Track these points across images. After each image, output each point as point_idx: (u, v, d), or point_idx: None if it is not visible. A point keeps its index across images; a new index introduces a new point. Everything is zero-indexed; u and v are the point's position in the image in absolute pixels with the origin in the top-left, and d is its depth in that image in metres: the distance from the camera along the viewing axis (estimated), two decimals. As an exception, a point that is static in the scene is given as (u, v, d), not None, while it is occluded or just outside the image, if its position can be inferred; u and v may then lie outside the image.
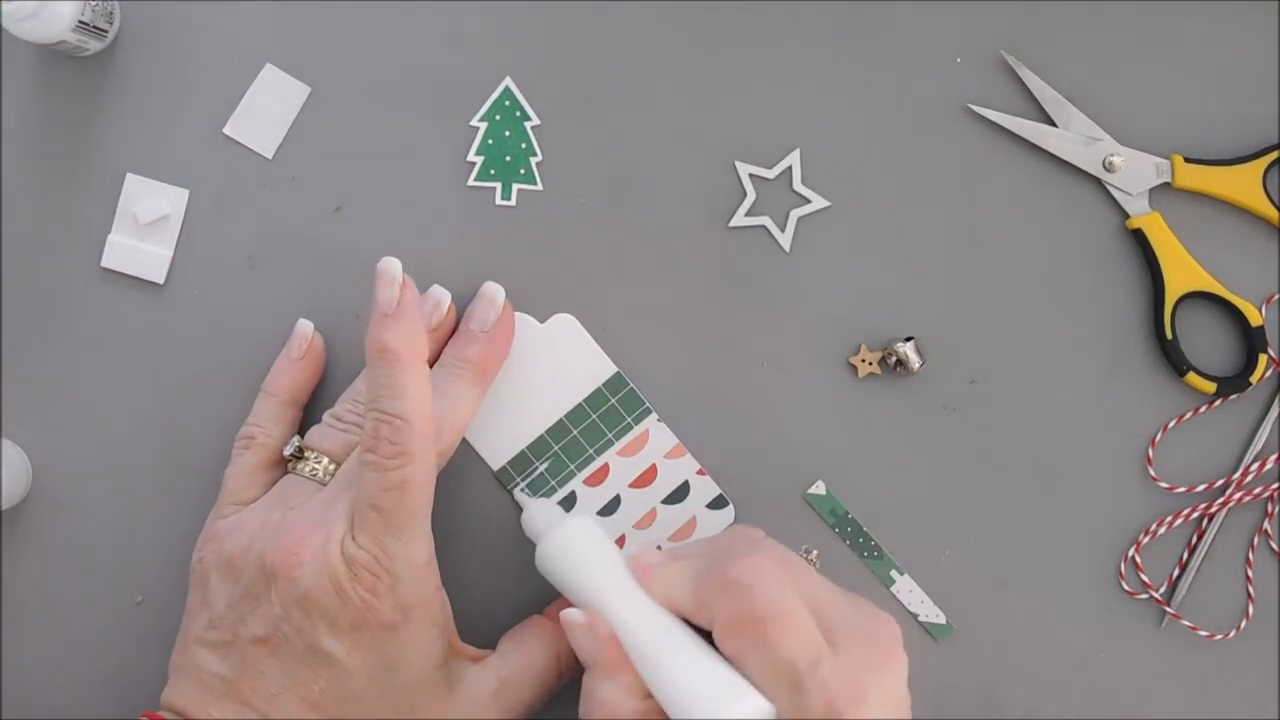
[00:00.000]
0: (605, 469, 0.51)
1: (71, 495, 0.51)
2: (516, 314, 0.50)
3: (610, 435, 0.50)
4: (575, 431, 0.50)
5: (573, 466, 0.50)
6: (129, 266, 0.51)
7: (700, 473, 0.51)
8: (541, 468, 0.50)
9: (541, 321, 0.51)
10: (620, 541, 0.50)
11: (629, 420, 0.50)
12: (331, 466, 0.46)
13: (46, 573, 0.51)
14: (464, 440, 0.50)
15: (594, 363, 0.51)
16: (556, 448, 0.50)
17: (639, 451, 0.51)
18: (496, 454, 0.50)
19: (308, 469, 0.47)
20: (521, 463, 0.50)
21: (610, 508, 0.50)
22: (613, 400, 0.50)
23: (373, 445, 0.43)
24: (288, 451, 0.47)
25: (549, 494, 0.50)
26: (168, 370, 0.51)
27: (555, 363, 0.50)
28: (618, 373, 0.51)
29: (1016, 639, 0.51)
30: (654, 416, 0.51)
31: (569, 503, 0.50)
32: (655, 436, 0.51)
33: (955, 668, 0.51)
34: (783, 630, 0.39)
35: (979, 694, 0.51)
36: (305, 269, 0.51)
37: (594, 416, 0.50)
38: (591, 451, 0.50)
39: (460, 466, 0.50)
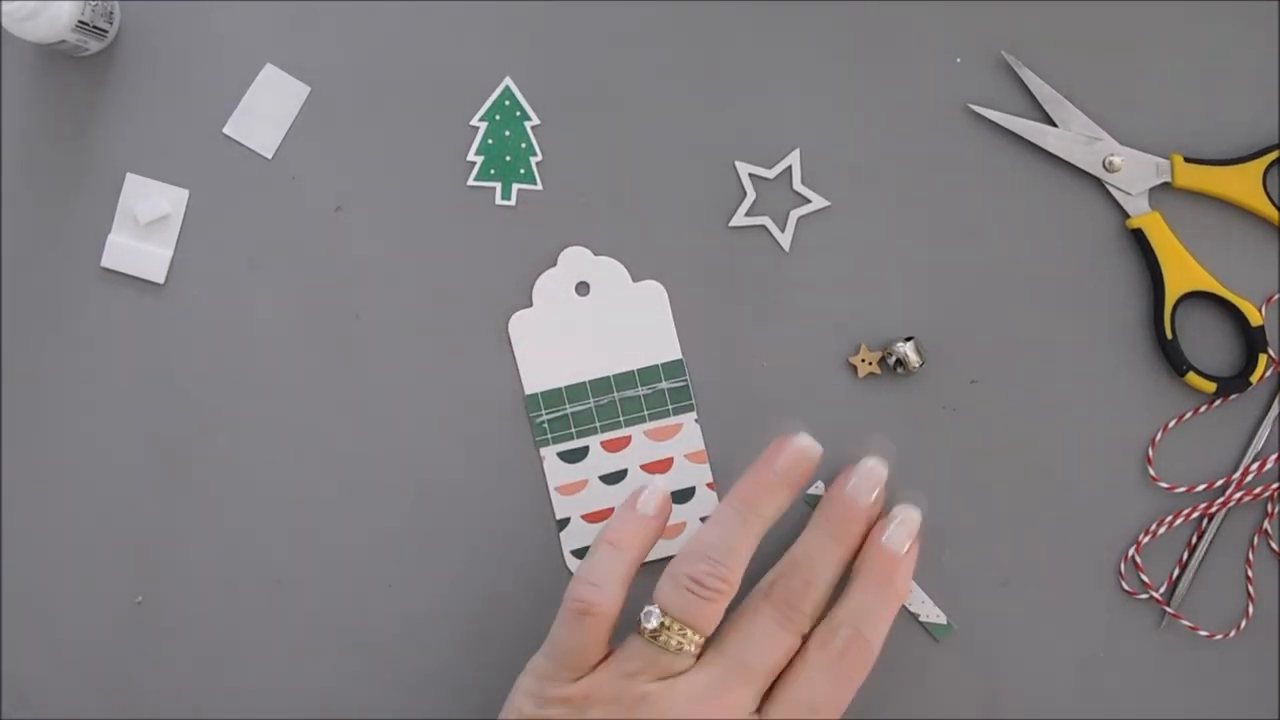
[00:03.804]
0: (626, 440, 0.51)
1: (72, 495, 0.51)
2: (610, 260, 0.51)
3: (646, 412, 0.51)
4: (615, 393, 0.51)
5: (598, 424, 0.51)
6: (129, 266, 0.51)
7: (710, 486, 0.51)
8: (569, 411, 0.51)
9: (634, 280, 0.51)
10: (608, 513, 0.51)
11: (669, 407, 0.51)
12: (697, 638, 0.43)
13: (46, 573, 0.51)
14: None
15: (663, 340, 0.51)
16: (591, 400, 0.51)
17: (665, 440, 0.51)
18: (535, 379, 0.51)
19: (673, 643, 0.43)
20: (553, 399, 0.51)
21: (615, 478, 0.51)
22: (664, 382, 0.51)
23: (840, 657, 0.43)
24: (652, 624, 0.43)
25: (566, 439, 0.51)
26: (168, 370, 0.51)
27: (628, 322, 0.51)
28: (681, 360, 0.51)
29: (1016, 639, 0.51)
30: (694, 415, 0.51)
31: (580, 455, 0.51)
32: (686, 433, 0.51)
33: (955, 668, 0.51)
34: None
35: (979, 694, 0.51)
36: (305, 269, 0.51)
37: (640, 388, 0.51)
38: (622, 419, 0.51)
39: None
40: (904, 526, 0.46)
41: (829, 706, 0.43)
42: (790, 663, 0.44)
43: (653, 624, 0.43)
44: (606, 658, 0.44)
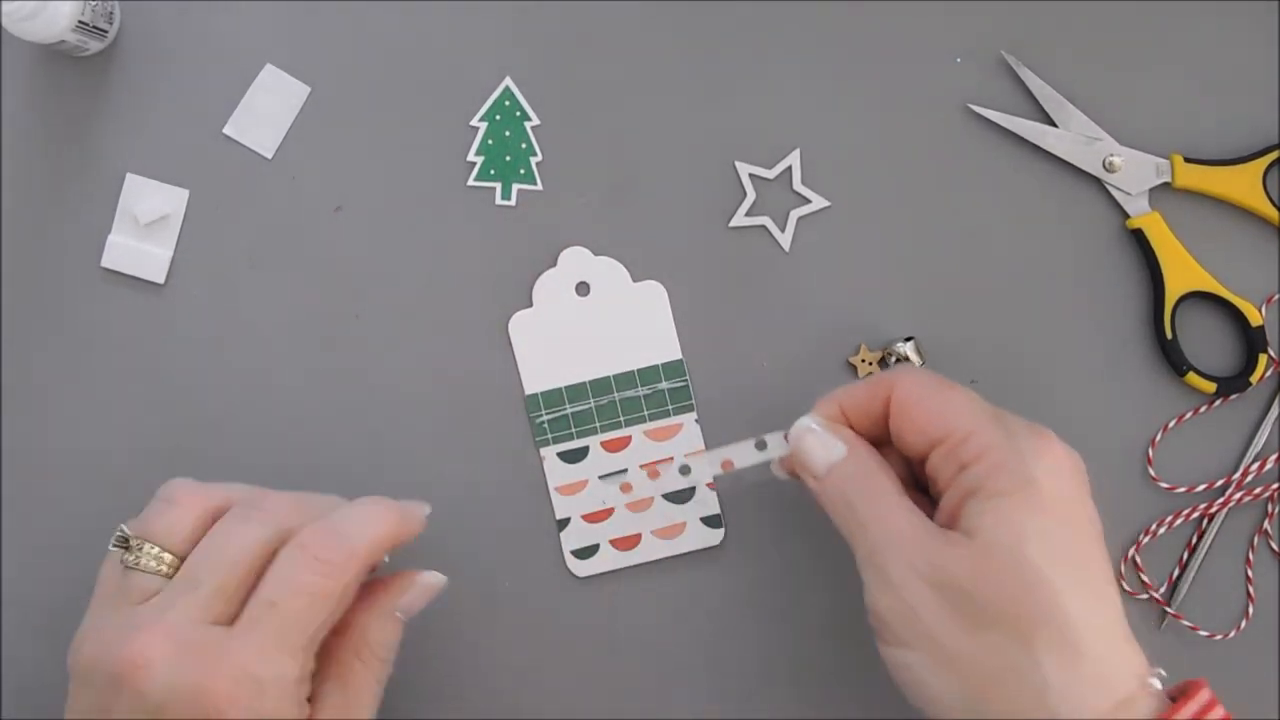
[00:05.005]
0: (627, 440, 0.51)
1: (72, 495, 0.51)
2: (610, 260, 0.51)
3: (646, 412, 0.51)
4: (615, 394, 0.51)
5: (598, 424, 0.51)
6: (129, 266, 0.51)
7: (710, 486, 0.51)
8: (569, 411, 0.51)
9: (634, 280, 0.51)
10: (608, 514, 0.51)
11: (670, 407, 0.51)
12: (168, 558, 0.41)
13: (46, 572, 0.51)
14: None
15: (663, 340, 0.51)
16: (591, 400, 0.51)
17: (665, 440, 0.51)
18: (536, 379, 0.51)
19: (144, 563, 0.41)
20: (553, 399, 0.51)
21: (615, 478, 0.51)
22: (664, 382, 0.51)
23: (306, 543, 0.41)
24: (111, 543, 0.42)
25: (566, 439, 0.51)
26: (168, 370, 0.51)
27: (628, 322, 0.51)
28: (681, 360, 0.51)
29: (1016, 639, 0.51)
30: (693, 415, 0.51)
31: (580, 455, 0.51)
32: (686, 433, 0.51)
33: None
34: (955, 393, 0.43)
35: (979, 694, 0.51)
36: (305, 269, 0.51)
37: (640, 388, 0.51)
38: (622, 419, 0.51)
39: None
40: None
41: (292, 596, 0.40)
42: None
43: (112, 542, 0.42)
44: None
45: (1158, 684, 0.40)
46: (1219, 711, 0.39)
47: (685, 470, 0.47)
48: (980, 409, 0.43)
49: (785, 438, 0.45)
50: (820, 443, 0.44)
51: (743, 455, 0.46)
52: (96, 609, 0.42)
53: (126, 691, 0.39)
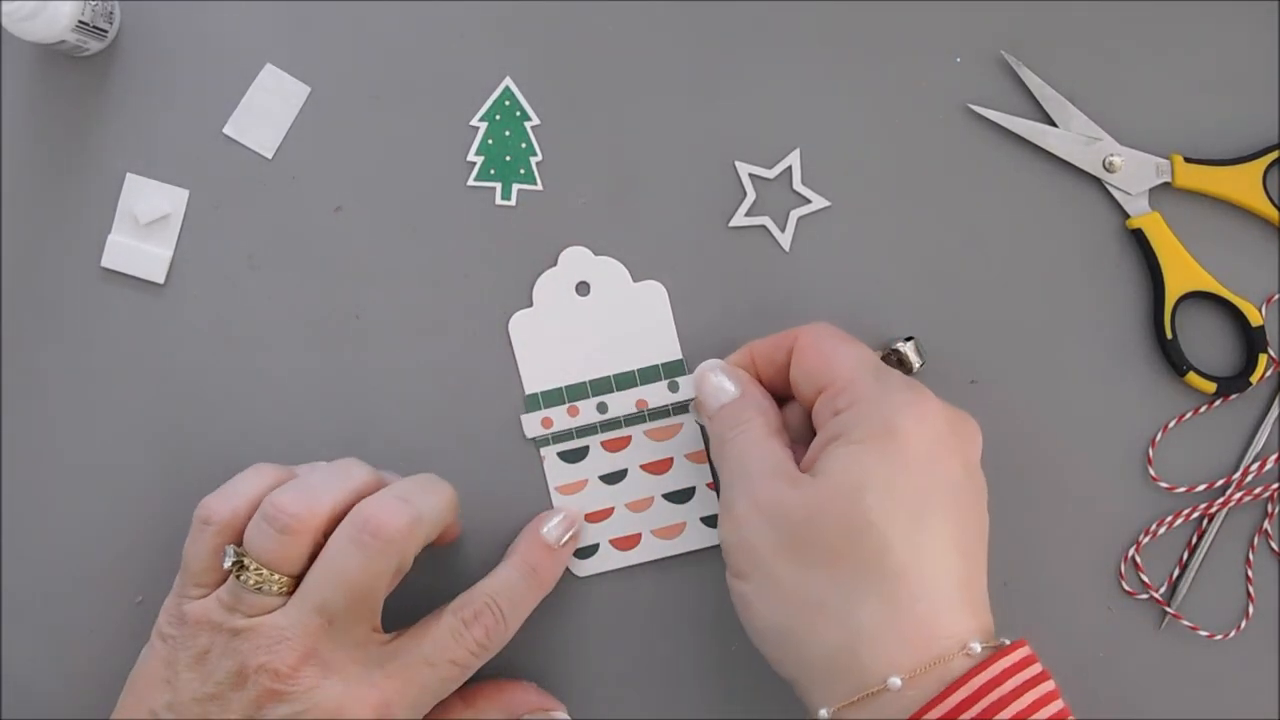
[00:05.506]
0: (627, 440, 0.51)
1: (71, 495, 0.51)
2: (610, 260, 0.51)
3: (646, 412, 0.51)
4: (615, 393, 0.51)
5: (598, 424, 0.51)
6: (129, 266, 0.51)
7: (710, 486, 0.51)
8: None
9: (634, 280, 0.51)
10: (608, 513, 0.51)
11: (669, 406, 0.51)
12: (279, 578, 0.43)
13: (46, 573, 0.51)
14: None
15: (663, 339, 0.51)
16: (592, 400, 0.50)
17: (665, 440, 0.51)
18: (536, 378, 0.51)
19: (251, 581, 0.43)
20: (554, 397, 0.51)
21: (615, 478, 0.51)
22: (664, 382, 0.51)
23: (469, 623, 0.45)
24: (227, 563, 0.43)
25: (566, 439, 0.51)
26: (168, 370, 0.51)
27: (628, 322, 0.51)
28: (681, 359, 0.51)
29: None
30: (693, 415, 0.51)
31: (580, 455, 0.51)
32: (686, 433, 0.51)
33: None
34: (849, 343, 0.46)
35: (979, 694, 0.51)
36: (305, 269, 0.51)
37: (640, 388, 0.51)
38: (622, 419, 0.51)
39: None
40: (564, 522, 0.49)
41: (447, 664, 0.44)
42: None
43: (227, 562, 0.43)
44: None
45: (978, 648, 0.40)
46: (1035, 668, 0.40)
47: (603, 408, 0.50)
48: (865, 362, 0.45)
49: None
50: (716, 384, 0.47)
51: (656, 395, 0.50)
52: (213, 605, 0.43)
53: (259, 693, 0.42)
